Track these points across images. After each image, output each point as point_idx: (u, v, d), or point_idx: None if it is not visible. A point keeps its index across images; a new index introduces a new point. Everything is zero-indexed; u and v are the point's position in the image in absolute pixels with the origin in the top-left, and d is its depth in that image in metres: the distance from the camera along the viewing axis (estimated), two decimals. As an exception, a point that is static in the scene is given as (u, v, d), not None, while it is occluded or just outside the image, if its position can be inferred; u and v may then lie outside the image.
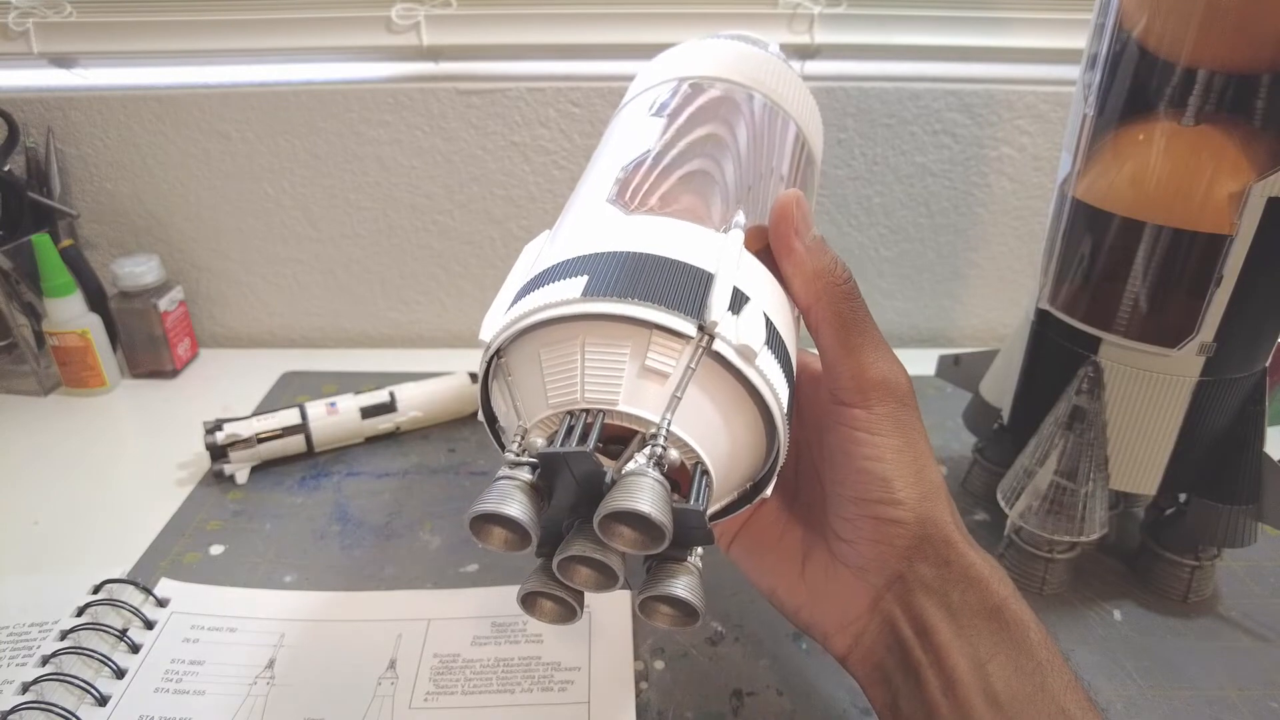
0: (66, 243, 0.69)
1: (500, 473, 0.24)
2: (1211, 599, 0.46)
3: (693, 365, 0.24)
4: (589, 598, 0.46)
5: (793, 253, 0.28)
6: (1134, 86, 0.38)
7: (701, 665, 0.42)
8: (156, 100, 0.69)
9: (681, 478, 0.25)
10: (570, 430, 0.23)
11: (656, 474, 0.22)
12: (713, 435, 0.25)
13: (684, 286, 0.24)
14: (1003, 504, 0.46)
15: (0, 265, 0.65)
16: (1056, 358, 0.43)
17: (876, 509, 0.29)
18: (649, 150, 0.31)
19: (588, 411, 0.24)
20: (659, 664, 0.42)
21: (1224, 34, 0.35)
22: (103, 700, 0.39)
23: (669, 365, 0.24)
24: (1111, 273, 0.41)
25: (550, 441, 0.24)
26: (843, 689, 0.40)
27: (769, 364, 0.25)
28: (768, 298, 0.27)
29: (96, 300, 0.69)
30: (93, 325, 0.66)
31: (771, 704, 0.40)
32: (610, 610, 0.45)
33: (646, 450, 0.23)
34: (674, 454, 0.24)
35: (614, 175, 0.31)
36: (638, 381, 0.24)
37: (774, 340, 0.26)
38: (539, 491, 0.24)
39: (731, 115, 0.35)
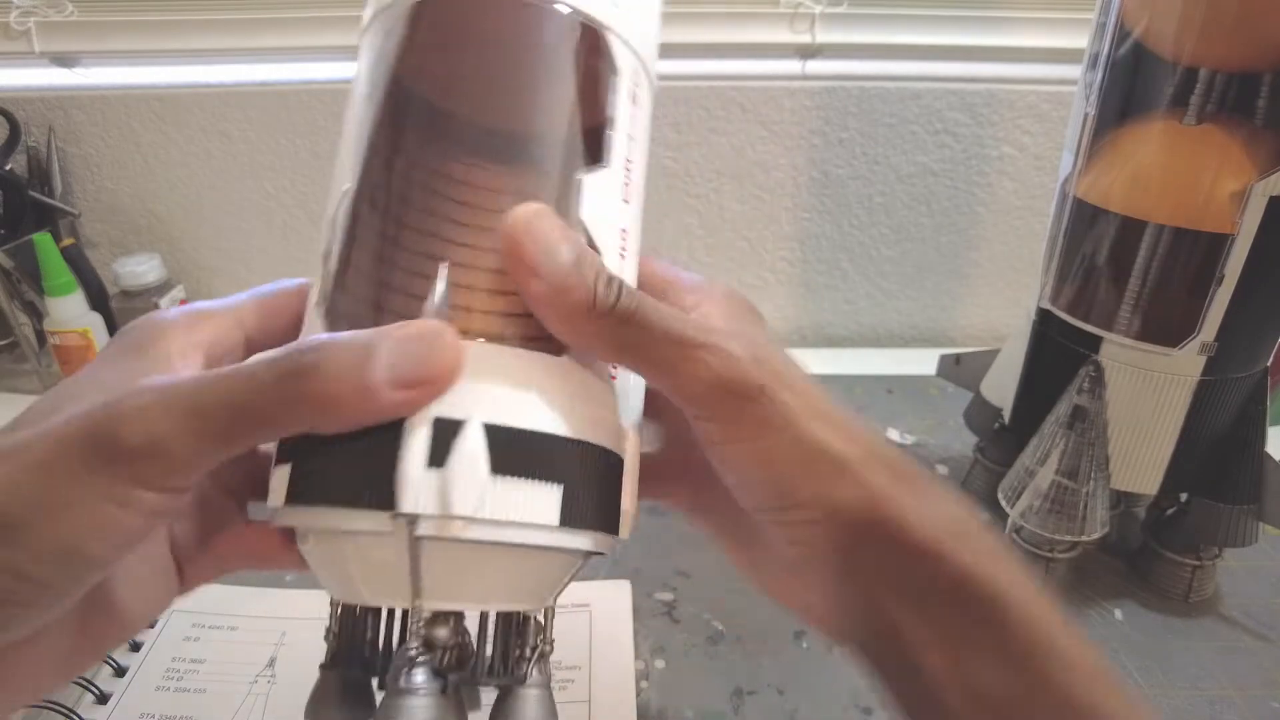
0: (68, 242, 0.69)
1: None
2: (1213, 598, 0.46)
3: (414, 561, 0.20)
4: (591, 595, 0.46)
5: (537, 299, 0.21)
6: (1135, 86, 0.38)
7: (702, 664, 0.42)
8: (158, 99, 0.69)
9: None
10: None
11: (427, 691, 0.21)
12: (487, 589, 0.22)
13: (374, 455, 0.20)
14: (1004, 503, 0.46)
15: (1, 264, 0.65)
16: (1058, 357, 0.43)
17: (776, 517, 0.25)
18: (345, 190, 0.23)
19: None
20: (659, 663, 0.42)
21: (1225, 34, 0.35)
22: (103, 698, 0.39)
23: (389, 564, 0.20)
24: (1113, 272, 0.41)
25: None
26: (843, 688, 0.40)
27: (505, 496, 0.20)
28: (505, 374, 0.21)
29: (98, 299, 0.69)
30: (94, 324, 0.66)
31: (772, 703, 0.40)
32: (611, 609, 0.45)
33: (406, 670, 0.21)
34: (442, 633, 0.22)
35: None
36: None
37: (515, 445, 0.21)
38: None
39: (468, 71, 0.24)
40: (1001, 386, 0.51)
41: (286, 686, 0.40)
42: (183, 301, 0.71)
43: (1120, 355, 0.41)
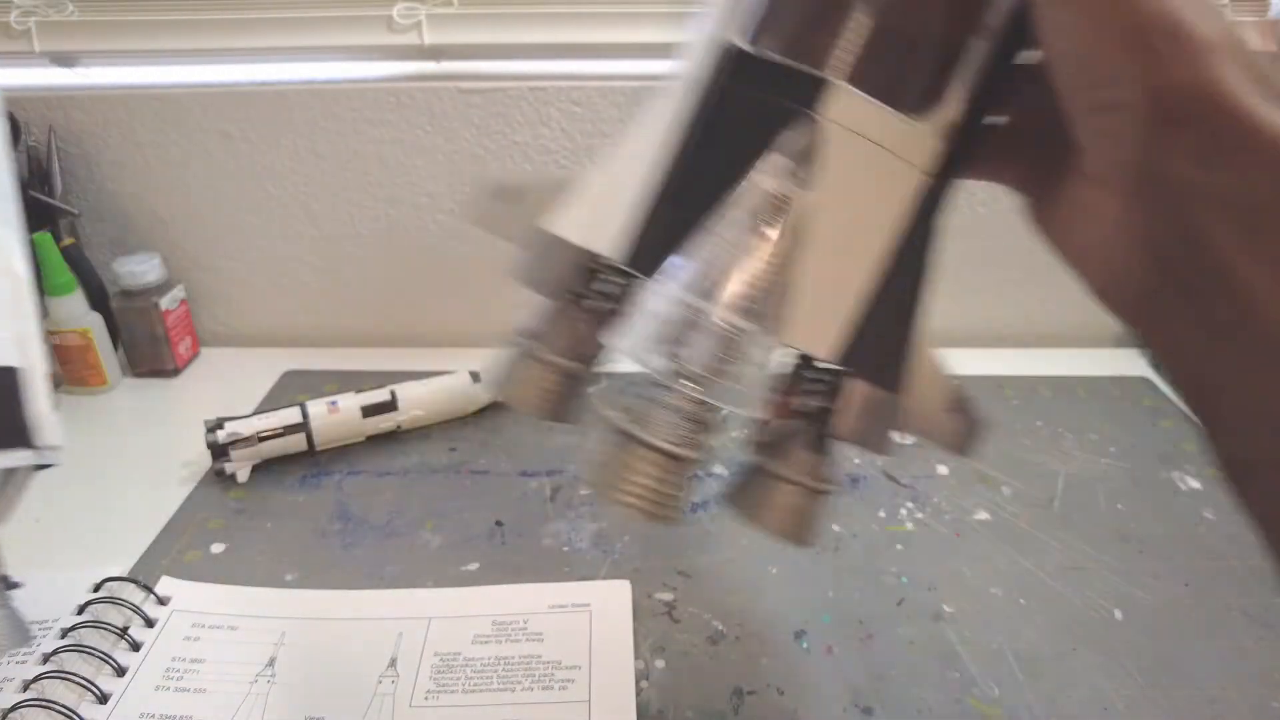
0: (68, 241, 0.69)
1: None
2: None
3: None
4: (591, 595, 0.46)
5: None
6: None
7: (702, 664, 0.42)
8: (158, 99, 0.69)
9: None
10: None
11: None
12: None
13: None
14: (643, 360, 0.28)
15: (2, 264, 0.65)
16: (743, 122, 0.28)
17: (1088, 97, 0.23)
18: None
19: None
20: (659, 663, 0.42)
21: None
22: (103, 698, 0.39)
23: None
24: None
25: None
26: (843, 688, 0.40)
27: None
28: None
29: (98, 299, 0.69)
30: (94, 324, 0.66)
31: (772, 703, 0.40)
32: (611, 609, 0.45)
33: None
34: None
35: None
36: None
37: None
38: None
39: None
40: (606, 205, 0.30)
41: (286, 686, 0.40)
42: (183, 302, 0.71)
43: (847, 116, 0.27)
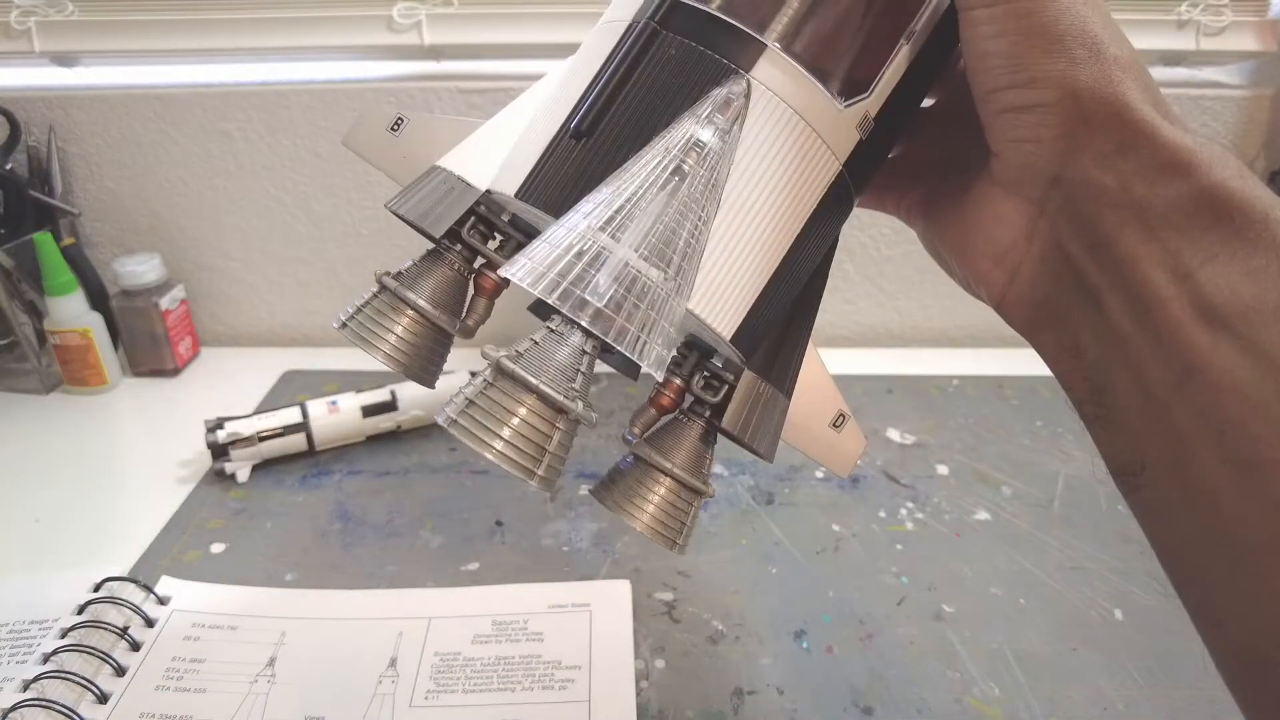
0: (68, 241, 0.69)
1: None
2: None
3: None
4: (591, 595, 0.46)
5: None
6: None
7: (702, 664, 0.42)
8: (158, 99, 0.69)
9: None
10: None
11: None
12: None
13: None
14: (538, 291, 0.24)
15: (2, 263, 0.65)
16: (669, 69, 0.27)
17: (1008, 97, 0.24)
18: None
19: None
20: (659, 663, 0.42)
21: None
22: (103, 698, 0.39)
23: None
24: None
25: None
26: (844, 687, 0.40)
27: None
28: None
29: (98, 299, 0.69)
30: (94, 324, 0.66)
31: (772, 703, 0.40)
32: (611, 609, 0.45)
33: None
34: None
35: None
36: None
37: None
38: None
39: None
40: (505, 157, 0.30)
41: (286, 686, 0.40)
42: (183, 302, 0.71)
43: (777, 82, 0.27)
